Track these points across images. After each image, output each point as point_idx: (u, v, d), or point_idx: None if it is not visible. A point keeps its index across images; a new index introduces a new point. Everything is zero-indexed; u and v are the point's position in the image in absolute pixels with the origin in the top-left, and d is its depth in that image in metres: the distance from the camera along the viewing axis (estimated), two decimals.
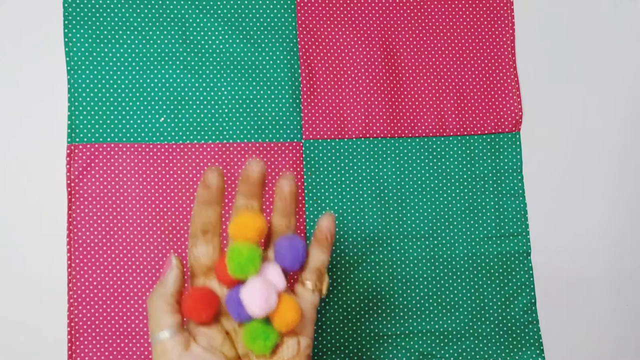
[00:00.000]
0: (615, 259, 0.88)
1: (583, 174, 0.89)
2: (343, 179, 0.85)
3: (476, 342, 0.84)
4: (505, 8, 0.90)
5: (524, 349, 0.85)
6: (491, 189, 0.87)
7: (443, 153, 0.87)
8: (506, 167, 0.88)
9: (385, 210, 0.85)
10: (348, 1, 0.88)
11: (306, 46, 0.86)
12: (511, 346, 0.85)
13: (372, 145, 0.86)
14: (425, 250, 0.85)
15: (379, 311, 0.84)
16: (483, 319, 0.85)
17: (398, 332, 0.84)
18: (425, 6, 0.89)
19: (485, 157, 0.88)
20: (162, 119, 0.83)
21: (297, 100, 0.85)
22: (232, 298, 0.54)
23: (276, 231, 0.59)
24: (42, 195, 0.81)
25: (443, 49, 0.89)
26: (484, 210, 0.87)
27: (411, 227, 0.85)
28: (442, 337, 0.84)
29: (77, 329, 0.79)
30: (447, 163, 0.87)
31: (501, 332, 0.85)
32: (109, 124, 0.82)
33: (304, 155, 0.85)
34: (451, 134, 0.87)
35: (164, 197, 0.82)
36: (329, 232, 0.60)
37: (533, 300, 0.86)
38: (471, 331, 0.85)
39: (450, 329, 0.84)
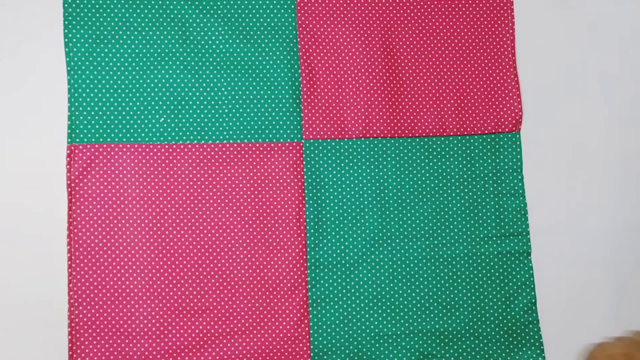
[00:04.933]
0: (616, 258, 0.88)
1: (583, 174, 0.89)
2: (343, 179, 0.85)
3: (476, 342, 0.84)
4: (505, 8, 0.90)
5: (524, 349, 0.85)
6: (491, 188, 0.87)
7: (443, 153, 0.87)
8: (506, 167, 0.88)
9: (385, 210, 0.85)
10: (348, 1, 0.88)
11: (306, 46, 0.86)
12: (511, 346, 0.85)
13: (372, 145, 0.86)
14: (425, 250, 0.85)
15: (379, 311, 0.84)
16: (483, 319, 0.85)
17: (398, 332, 0.84)
18: (425, 6, 0.89)
19: (485, 157, 0.88)
20: (162, 119, 0.83)
21: (297, 100, 0.85)
22: None
23: None
24: (43, 195, 0.81)
25: (443, 49, 0.89)
26: (484, 210, 0.87)
27: (411, 227, 0.85)
28: (442, 337, 0.84)
29: (77, 329, 0.79)
30: (447, 163, 0.87)
31: (501, 332, 0.85)
32: (109, 124, 0.82)
33: (304, 155, 0.85)
34: (451, 134, 0.87)
35: (164, 197, 0.82)
36: None
37: (533, 300, 0.86)
38: (471, 331, 0.85)
39: (450, 329, 0.84)
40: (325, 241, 0.84)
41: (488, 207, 0.87)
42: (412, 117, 0.87)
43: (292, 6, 0.87)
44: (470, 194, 0.87)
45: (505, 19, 0.90)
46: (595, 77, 0.91)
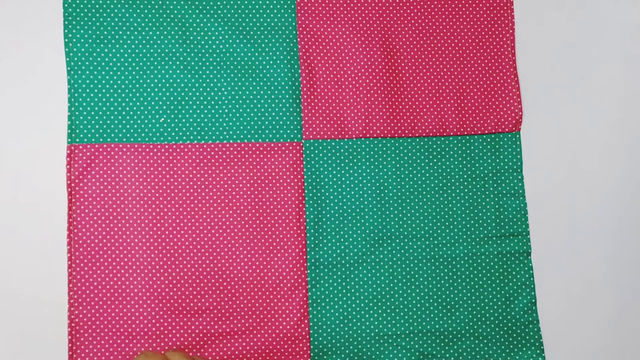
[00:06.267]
0: (616, 258, 0.88)
1: (583, 174, 0.89)
2: (343, 179, 0.85)
3: (476, 342, 0.85)
4: (505, 8, 0.90)
5: (524, 349, 0.85)
6: (491, 188, 0.87)
7: (443, 153, 0.87)
8: (506, 167, 0.88)
9: (385, 210, 0.85)
10: (348, 1, 0.88)
11: (306, 46, 0.86)
12: (511, 346, 0.85)
13: (372, 145, 0.86)
14: (425, 250, 0.85)
15: (379, 311, 0.84)
16: (483, 319, 0.85)
17: (398, 332, 0.84)
18: (425, 6, 0.89)
19: (485, 157, 0.88)
20: (162, 119, 0.83)
21: (297, 100, 0.85)
22: None
23: None
24: (42, 195, 0.81)
25: (443, 49, 0.89)
26: (484, 210, 0.87)
27: (411, 227, 0.86)
28: (442, 337, 0.84)
29: (77, 329, 0.79)
30: (447, 163, 0.87)
31: (501, 332, 0.85)
32: (109, 124, 0.82)
33: (304, 155, 0.85)
34: (451, 134, 0.87)
35: (164, 197, 0.82)
36: None
37: (533, 300, 0.86)
38: (471, 331, 0.85)
39: (450, 329, 0.84)
40: (325, 241, 0.84)
41: (488, 207, 0.87)
42: (412, 117, 0.87)
43: (292, 6, 0.87)
44: (470, 194, 0.87)
45: (505, 19, 0.90)
46: (595, 77, 0.91)
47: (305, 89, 0.85)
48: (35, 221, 0.81)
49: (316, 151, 0.85)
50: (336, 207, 0.85)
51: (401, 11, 0.89)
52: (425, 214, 0.86)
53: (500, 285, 0.86)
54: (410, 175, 0.86)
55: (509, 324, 0.85)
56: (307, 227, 0.84)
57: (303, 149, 0.85)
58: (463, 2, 0.89)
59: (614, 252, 0.89)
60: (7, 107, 0.82)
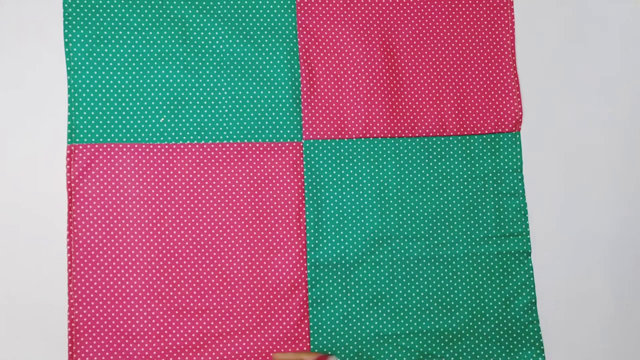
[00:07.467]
0: (615, 259, 0.88)
1: (583, 174, 0.89)
2: (343, 179, 0.85)
3: (476, 342, 0.85)
4: (505, 8, 0.90)
5: (524, 349, 0.85)
6: (491, 188, 0.87)
7: (443, 153, 0.87)
8: (506, 167, 0.88)
9: (385, 210, 0.85)
10: (348, 1, 0.88)
11: (306, 46, 0.86)
12: (511, 346, 0.85)
13: (372, 145, 0.86)
14: (425, 250, 0.85)
15: (379, 311, 0.84)
16: (483, 319, 0.85)
17: (398, 332, 0.84)
18: (425, 6, 0.89)
19: (485, 157, 0.88)
20: (162, 119, 0.83)
21: (297, 100, 0.85)
22: None
23: None
24: (42, 195, 0.81)
25: (443, 49, 0.89)
26: (484, 210, 0.87)
27: (411, 227, 0.86)
28: (442, 337, 0.84)
29: (77, 329, 0.79)
30: (447, 163, 0.87)
31: (501, 332, 0.85)
32: (109, 124, 0.82)
33: (304, 155, 0.85)
34: (451, 134, 0.87)
35: (164, 197, 0.82)
36: None
37: (533, 300, 0.86)
38: (471, 331, 0.85)
39: (450, 329, 0.84)
40: (325, 241, 0.84)
41: (488, 207, 0.87)
42: (412, 117, 0.87)
43: (292, 6, 0.87)
44: (470, 194, 0.87)
45: (505, 19, 0.90)
46: (595, 77, 0.91)
47: (305, 89, 0.85)
48: (35, 221, 0.81)
49: (316, 151, 0.85)
50: (336, 207, 0.85)
51: (401, 11, 0.89)
52: (425, 214, 0.86)
53: (500, 285, 0.86)
54: (410, 175, 0.86)
55: (509, 324, 0.85)
56: (307, 227, 0.84)
57: (303, 149, 0.85)
58: (463, 2, 0.89)
59: (613, 252, 0.89)
60: (7, 107, 0.82)
